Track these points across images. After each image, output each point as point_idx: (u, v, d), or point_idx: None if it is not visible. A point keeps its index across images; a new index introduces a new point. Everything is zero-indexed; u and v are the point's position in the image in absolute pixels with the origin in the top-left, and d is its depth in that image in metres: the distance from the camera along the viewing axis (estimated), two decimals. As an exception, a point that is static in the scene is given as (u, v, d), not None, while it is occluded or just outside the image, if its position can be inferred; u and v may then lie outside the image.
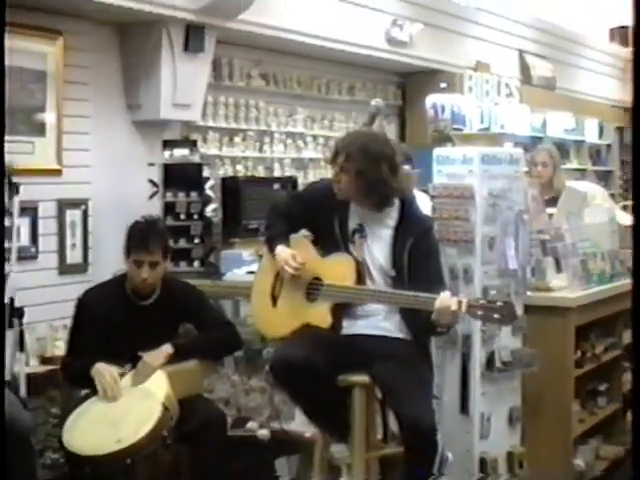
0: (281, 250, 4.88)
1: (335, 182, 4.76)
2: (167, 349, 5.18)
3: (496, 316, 4.40)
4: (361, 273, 4.73)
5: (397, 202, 4.82)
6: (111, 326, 5.23)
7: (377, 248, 4.78)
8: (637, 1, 2.81)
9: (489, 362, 5.41)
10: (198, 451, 5.10)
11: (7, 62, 6.50)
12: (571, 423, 6.11)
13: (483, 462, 5.41)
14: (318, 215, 4.85)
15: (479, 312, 4.43)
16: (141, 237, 5.25)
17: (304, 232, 4.99)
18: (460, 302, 4.43)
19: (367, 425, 4.83)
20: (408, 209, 4.83)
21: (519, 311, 5.49)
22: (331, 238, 4.80)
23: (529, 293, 5.67)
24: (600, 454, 6.66)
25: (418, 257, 4.71)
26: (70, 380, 5.41)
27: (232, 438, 5.52)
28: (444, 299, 4.42)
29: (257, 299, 5.08)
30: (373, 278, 4.77)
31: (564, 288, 6.15)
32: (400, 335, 4.75)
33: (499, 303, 4.41)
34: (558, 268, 6.24)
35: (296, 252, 4.84)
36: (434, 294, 4.44)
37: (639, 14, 2.70)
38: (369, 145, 4.77)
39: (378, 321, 4.77)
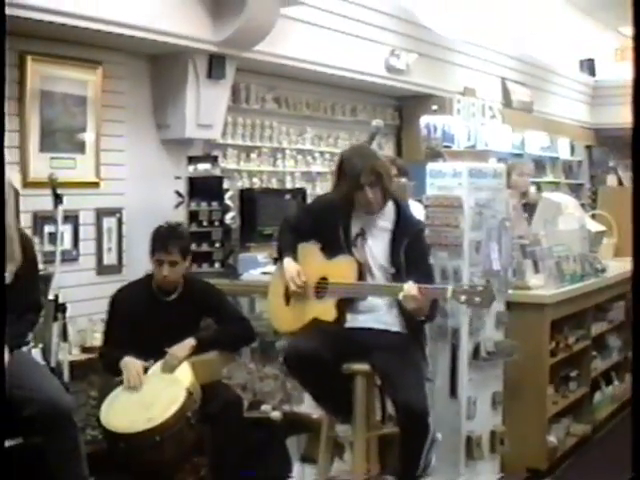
0: (288, 265, 4.89)
1: (370, 201, 4.70)
2: (190, 342, 5.19)
3: (477, 299, 4.41)
4: (361, 271, 4.73)
5: (393, 208, 4.82)
6: (139, 319, 5.25)
7: (377, 249, 4.78)
8: (637, 1, 2.77)
9: (475, 352, 5.41)
10: (218, 430, 5.11)
11: (54, 89, 6.57)
12: (546, 405, 6.11)
13: (469, 439, 5.42)
14: (325, 225, 4.85)
15: (462, 297, 4.43)
16: (161, 239, 5.28)
17: (313, 241, 4.99)
18: (420, 288, 4.43)
19: (368, 408, 4.82)
20: (403, 214, 4.84)
21: (502, 307, 5.49)
22: (336, 244, 4.79)
23: (510, 291, 5.66)
24: (570, 431, 6.67)
25: (413, 255, 4.73)
26: (105, 368, 5.42)
27: (248, 419, 5.51)
28: (407, 287, 4.45)
29: (273, 299, 5.08)
30: (374, 275, 4.77)
31: (541, 287, 6.14)
32: (398, 328, 4.74)
33: (479, 288, 4.43)
34: (536, 269, 6.24)
35: (301, 269, 4.84)
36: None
37: (639, 15, 2.66)
38: (371, 152, 4.95)
39: (378, 315, 4.76)
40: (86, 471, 4.44)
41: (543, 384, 6.06)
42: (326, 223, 4.85)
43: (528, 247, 6.24)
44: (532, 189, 7.91)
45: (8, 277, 4.44)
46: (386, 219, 4.82)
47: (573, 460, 6.43)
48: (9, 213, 4.51)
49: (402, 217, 4.82)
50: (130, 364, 5.07)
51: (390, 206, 4.84)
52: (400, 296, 4.48)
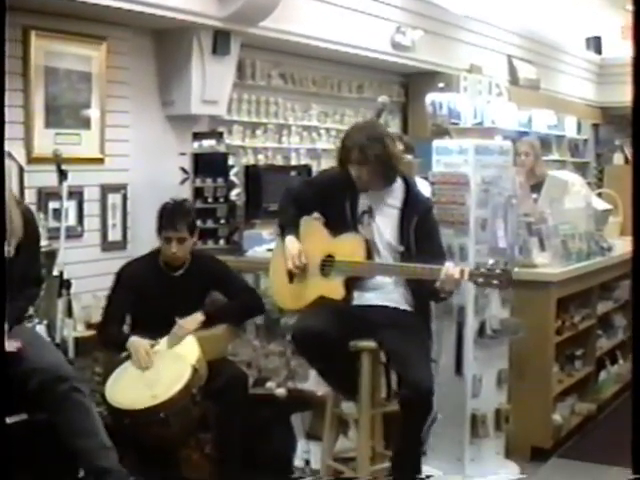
0: (290, 243, 4.86)
1: (357, 179, 4.70)
2: (199, 317, 5.20)
3: (495, 282, 4.39)
4: (370, 250, 4.71)
5: (402, 186, 4.79)
6: (146, 294, 5.26)
7: (385, 227, 4.75)
8: (637, 1, 2.75)
9: (481, 330, 5.41)
10: (223, 407, 5.12)
11: (59, 65, 6.56)
12: (551, 383, 6.10)
13: (474, 417, 5.42)
14: (330, 199, 4.83)
15: (480, 279, 4.42)
16: (169, 217, 5.27)
17: (315, 214, 4.97)
18: (462, 270, 4.43)
19: (373, 385, 4.83)
20: (412, 191, 4.81)
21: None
22: (342, 220, 4.76)
23: (516, 269, 5.63)
24: (575, 410, 6.66)
25: (422, 233, 4.71)
26: (104, 343, 5.43)
27: (253, 396, 5.51)
28: (449, 268, 4.42)
29: (275, 276, 5.06)
30: (380, 254, 4.74)
31: (547, 265, 6.12)
32: (404, 306, 4.73)
33: (498, 271, 4.39)
34: (542, 247, 6.21)
35: (303, 242, 4.83)
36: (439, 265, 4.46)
37: (639, 14, 2.64)
38: (373, 131, 4.79)
39: (385, 293, 4.75)
40: (104, 436, 4.41)
41: (548, 362, 6.05)
42: (332, 198, 4.82)
43: (534, 225, 6.22)
44: (542, 167, 7.84)
45: (11, 252, 4.46)
46: (395, 197, 4.78)
47: (578, 439, 6.43)
48: (8, 187, 4.50)
49: (411, 195, 4.79)
50: (138, 344, 5.07)
51: (399, 183, 4.80)
52: (442, 275, 4.45)
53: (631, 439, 3.15)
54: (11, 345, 4.26)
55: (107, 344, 5.39)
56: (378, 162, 4.64)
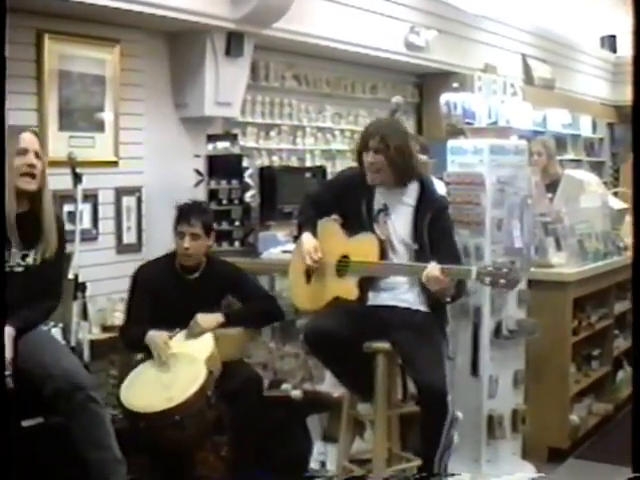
0: (305, 240, 4.89)
1: (369, 167, 4.71)
2: (218, 317, 5.24)
3: (502, 281, 4.36)
4: (384, 249, 4.70)
5: (417, 184, 4.78)
6: (161, 296, 5.29)
7: (400, 225, 4.75)
8: (637, 1, 2.73)
9: (497, 330, 5.40)
10: (238, 409, 5.12)
11: (72, 68, 6.56)
12: (568, 384, 6.09)
13: (491, 418, 5.42)
14: (346, 200, 4.84)
15: (487, 278, 4.39)
16: (184, 212, 5.36)
17: (333, 216, 4.97)
18: (444, 270, 4.40)
19: (389, 386, 4.82)
20: (427, 189, 4.81)
21: (523, 285, 5.46)
22: (358, 219, 4.78)
23: (532, 269, 5.64)
24: (592, 410, 6.65)
25: (436, 232, 4.70)
26: (127, 345, 5.45)
27: (268, 398, 5.52)
28: (430, 268, 4.41)
29: (293, 277, 5.08)
30: (397, 252, 4.75)
31: (563, 265, 6.11)
32: (419, 307, 4.73)
33: (504, 269, 4.37)
34: (558, 247, 6.20)
35: (319, 244, 4.83)
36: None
37: (639, 14, 2.62)
38: (396, 125, 4.89)
39: (400, 293, 4.75)
40: (116, 449, 4.40)
41: (565, 363, 6.04)
42: (348, 198, 4.84)
43: (550, 225, 6.21)
44: (556, 166, 7.81)
45: (38, 260, 4.46)
46: (409, 195, 4.79)
47: (595, 439, 6.41)
48: (46, 200, 4.52)
49: (426, 193, 4.79)
50: (156, 336, 5.09)
51: (414, 182, 4.80)
52: (423, 277, 4.45)
53: (631, 439, 3.14)
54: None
55: (130, 347, 5.42)
56: (397, 154, 4.65)
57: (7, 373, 3.84)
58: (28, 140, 4.46)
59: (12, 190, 4.34)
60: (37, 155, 4.45)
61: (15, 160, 4.35)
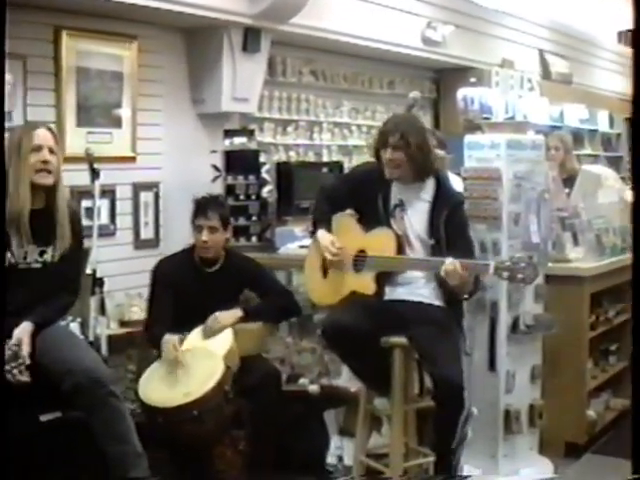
0: (321, 235, 4.88)
1: (389, 163, 4.70)
2: (237, 312, 5.25)
3: (520, 276, 4.37)
4: (401, 244, 4.70)
5: (433, 180, 4.78)
6: (181, 290, 5.31)
7: (416, 220, 4.75)
8: (637, 1, 2.73)
9: (514, 325, 5.39)
10: (256, 404, 5.12)
11: (90, 65, 6.58)
12: (585, 379, 6.08)
13: (507, 413, 5.40)
14: (363, 195, 4.84)
15: (505, 273, 4.39)
16: (201, 206, 5.39)
17: (349, 211, 4.97)
18: (462, 265, 4.40)
19: (405, 381, 4.82)
20: (443, 185, 4.81)
21: (541, 280, 5.44)
22: (375, 214, 4.78)
23: (550, 264, 5.62)
24: (610, 406, 6.64)
25: (452, 227, 4.70)
26: (150, 342, 5.45)
27: (286, 392, 5.52)
28: (448, 263, 4.41)
29: (309, 272, 5.09)
30: (413, 247, 4.74)
31: (580, 260, 6.09)
32: (435, 301, 4.73)
33: (522, 264, 4.36)
34: (575, 242, 6.19)
35: (335, 238, 4.83)
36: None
37: (639, 14, 2.62)
38: (415, 121, 4.89)
39: (416, 288, 4.75)
40: (136, 443, 4.40)
41: (582, 358, 6.02)
42: (364, 193, 4.83)
43: (567, 220, 6.19)
44: (573, 161, 7.79)
45: (56, 257, 4.47)
46: (426, 190, 4.78)
47: (612, 434, 6.39)
48: (60, 196, 4.54)
49: (442, 188, 4.79)
50: (167, 339, 5.09)
51: (430, 178, 4.80)
52: (441, 272, 4.44)
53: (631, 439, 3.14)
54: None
55: (153, 344, 5.40)
56: (417, 151, 4.65)
57: (24, 367, 3.84)
58: (42, 136, 4.48)
59: (27, 187, 4.36)
60: (51, 151, 4.46)
61: (30, 157, 4.37)
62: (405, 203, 4.77)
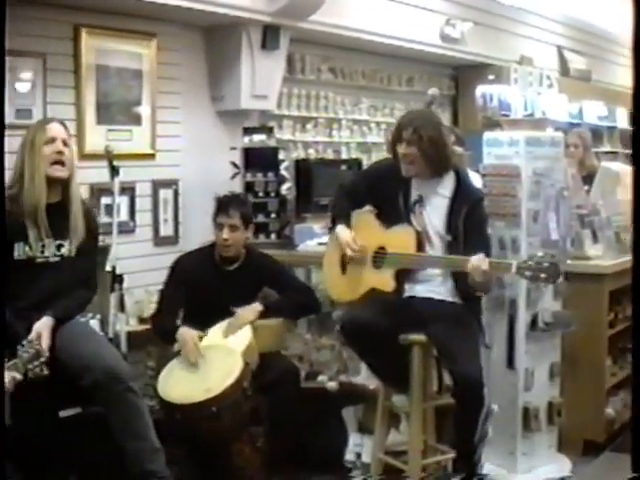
0: (341, 231, 4.87)
1: (403, 158, 4.69)
2: (258, 307, 5.24)
3: (543, 275, 4.34)
4: (421, 241, 4.69)
5: (453, 176, 4.76)
6: (200, 287, 5.31)
7: (435, 216, 4.73)
8: (637, 1, 2.72)
9: (533, 323, 5.35)
10: (275, 400, 5.12)
11: (109, 62, 6.59)
12: (604, 377, 6.04)
13: (526, 411, 5.37)
14: (382, 191, 4.82)
15: (527, 272, 4.36)
16: (223, 204, 5.39)
17: (368, 207, 4.96)
18: (490, 262, 4.39)
19: (424, 378, 4.80)
20: (463, 181, 4.79)
21: (560, 278, 5.41)
22: (395, 211, 4.76)
23: (569, 261, 5.59)
24: (628, 404, 6.58)
25: (471, 224, 4.67)
26: (157, 333, 5.46)
27: (305, 389, 5.51)
28: (476, 259, 4.39)
29: (328, 268, 5.08)
30: (432, 243, 4.73)
31: (600, 257, 6.06)
32: (454, 299, 4.71)
33: (545, 264, 4.34)
34: (594, 239, 6.15)
35: (355, 234, 4.82)
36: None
37: (639, 14, 2.61)
38: (430, 116, 4.88)
39: (435, 285, 4.74)
40: (154, 439, 4.42)
41: (601, 356, 5.99)
42: (384, 189, 4.82)
43: (586, 217, 6.16)
44: (592, 158, 7.76)
45: (72, 251, 4.49)
46: (444, 186, 4.76)
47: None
48: (74, 189, 4.57)
49: (462, 185, 4.77)
50: (186, 335, 5.08)
51: (450, 174, 4.78)
52: (469, 268, 4.42)
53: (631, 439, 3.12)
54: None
55: (160, 335, 5.43)
56: (431, 146, 4.62)
57: (42, 360, 3.84)
58: (55, 129, 4.55)
59: (43, 178, 4.42)
60: (65, 144, 4.52)
61: (44, 149, 4.42)
62: (424, 199, 4.76)
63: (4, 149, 4.00)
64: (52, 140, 4.46)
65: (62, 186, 4.52)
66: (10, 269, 4.33)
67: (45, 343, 4.20)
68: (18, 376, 3.69)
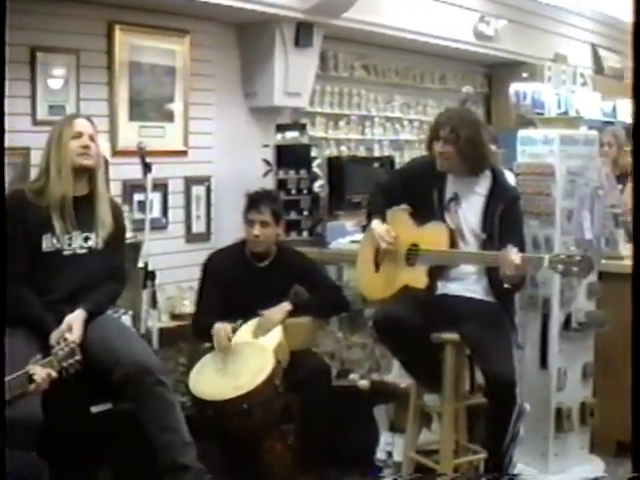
0: (376, 225, 4.86)
1: (440, 155, 4.67)
2: (286, 306, 5.22)
3: (575, 269, 4.29)
4: (454, 239, 4.66)
5: (489, 173, 4.73)
6: (232, 284, 5.30)
7: (471, 214, 4.70)
8: (637, 1, 2.68)
9: (566, 322, 5.32)
10: (306, 398, 5.10)
11: (143, 59, 6.61)
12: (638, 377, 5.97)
13: (559, 411, 5.33)
14: (417, 188, 4.80)
15: (559, 266, 4.31)
16: (254, 200, 5.37)
17: (403, 206, 4.93)
18: (523, 257, 4.34)
19: (456, 378, 4.76)
20: (499, 179, 4.76)
21: (593, 277, 5.37)
22: (429, 208, 4.74)
23: (603, 261, 5.54)
24: (662, 405, 6.53)
25: (507, 222, 4.64)
26: (196, 334, 5.45)
27: (336, 387, 5.50)
28: (508, 252, 4.34)
29: (361, 266, 5.06)
30: (467, 240, 4.70)
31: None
32: (487, 297, 4.68)
33: (577, 257, 4.30)
34: (628, 239, 6.09)
35: (390, 227, 4.80)
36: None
37: (639, 14, 2.58)
38: (468, 115, 4.84)
39: (468, 284, 4.70)
40: (185, 432, 4.42)
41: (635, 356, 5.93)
42: (419, 187, 4.80)
43: (621, 216, 6.10)
44: (626, 157, 7.69)
45: (99, 243, 4.50)
46: (481, 184, 4.73)
47: (665, 433, 6.29)
48: (100, 181, 4.58)
49: (498, 183, 4.74)
50: (219, 327, 5.09)
51: (487, 172, 4.75)
52: (500, 259, 4.38)
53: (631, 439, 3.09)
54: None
55: (200, 336, 5.41)
56: (467, 144, 4.59)
57: (77, 358, 3.85)
58: (82, 125, 4.57)
59: (69, 170, 4.44)
60: (92, 138, 4.53)
61: (71, 143, 4.44)
62: (460, 197, 4.73)
63: (4, 148, 4.01)
64: (79, 135, 4.48)
65: (89, 179, 4.53)
66: (39, 262, 4.36)
67: (77, 335, 4.21)
68: (53, 373, 3.70)
